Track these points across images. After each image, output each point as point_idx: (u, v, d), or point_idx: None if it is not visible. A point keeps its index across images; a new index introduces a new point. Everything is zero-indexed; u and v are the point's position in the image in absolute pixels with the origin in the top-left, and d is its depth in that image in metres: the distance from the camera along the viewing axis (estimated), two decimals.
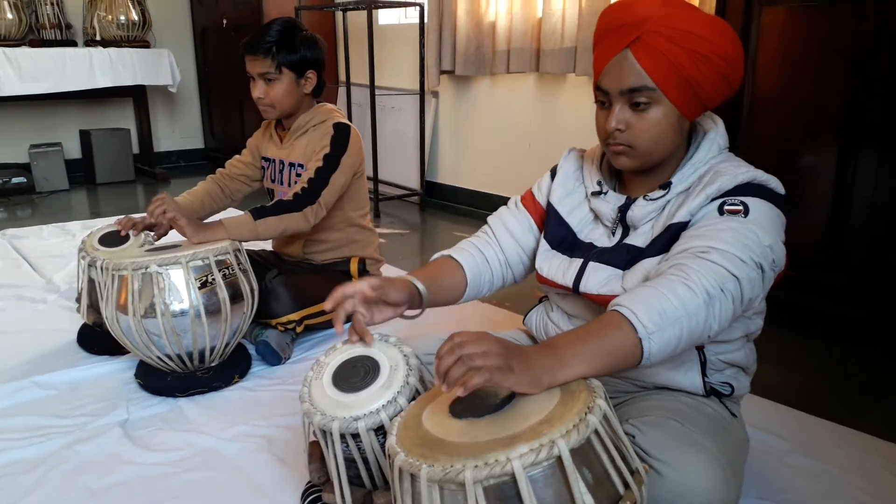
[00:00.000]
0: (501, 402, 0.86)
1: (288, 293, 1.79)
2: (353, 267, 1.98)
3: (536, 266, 1.20)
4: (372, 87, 3.49)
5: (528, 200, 1.25)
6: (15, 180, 4.09)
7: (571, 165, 1.21)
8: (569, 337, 0.90)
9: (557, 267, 1.15)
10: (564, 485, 0.77)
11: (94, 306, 1.79)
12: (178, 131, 5.05)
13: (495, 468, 0.75)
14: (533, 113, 3.31)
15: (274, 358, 1.76)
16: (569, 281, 1.12)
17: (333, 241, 1.97)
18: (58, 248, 2.75)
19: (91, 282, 1.79)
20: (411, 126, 3.84)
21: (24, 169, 4.17)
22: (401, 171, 3.97)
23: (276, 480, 1.29)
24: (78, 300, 1.91)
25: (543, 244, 1.19)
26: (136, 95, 4.61)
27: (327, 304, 1.07)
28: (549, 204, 1.20)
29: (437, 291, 1.15)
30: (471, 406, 0.88)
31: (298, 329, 1.81)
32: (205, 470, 1.33)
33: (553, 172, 1.24)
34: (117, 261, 1.58)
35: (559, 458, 0.76)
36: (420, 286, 1.11)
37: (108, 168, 4.41)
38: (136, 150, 4.67)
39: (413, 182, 3.90)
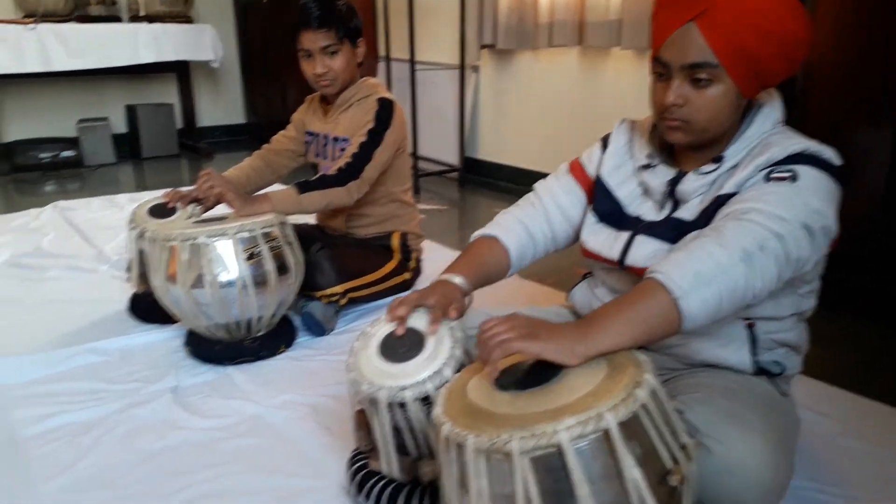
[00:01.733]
0: (547, 376, 0.87)
1: (332, 266, 1.81)
2: (395, 242, 1.99)
3: (582, 239, 1.19)
4: (412, 61, 3.48)
5: (578, 170, 1.24)
6: (64, 154, 4.20)
7: (623, 137, 1.19)
8: (604, 308, 0.91)
9: (604, 240, 1.14)
10: (612, 458, 0.77)
11: (144, 276, 1.84)
12: (221, 106, 5.11)
13: (542, 439, 0.76)
14: (576, 88, 3.26)
15: (318, 329, 1.79)
16: (615, 254, 1.11)
17: (376, 216, 1.98)
18: (107, 219, 2.82)
19: (141, 252, 1.83)
20: (451, 101, 3.82)
21: (72, 143, 4.27)
22: (440, 146, 3.96)
23: (322, 448, 1.32)
24: (128, 270, 1.97)
25: (591, 217, 1.18)
26: (180, 71, 4.67)
27: (387, 318, 1.09)
28: (598, 176, 1.19)
29: (481, 283, 1.17)
30: (516, 379, 0.89)
31: (342, 301, 1.83)
32: (253, 436, 1.37)
33: (604, 143, 1.22)
34: (166, 232, 1.62)
35: (607, 432, 0.76)
36: (466, 287, 1.13)
37: (153, 142, 4.50)
38: (180, 125, 4.74)
39: (453, 158, 3.88)
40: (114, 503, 1.18)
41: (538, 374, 0.87)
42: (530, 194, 1.27)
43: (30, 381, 1.57)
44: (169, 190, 1.88)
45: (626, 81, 2.99)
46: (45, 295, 2.10)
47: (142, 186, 3.69)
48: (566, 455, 0.76)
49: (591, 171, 1.22)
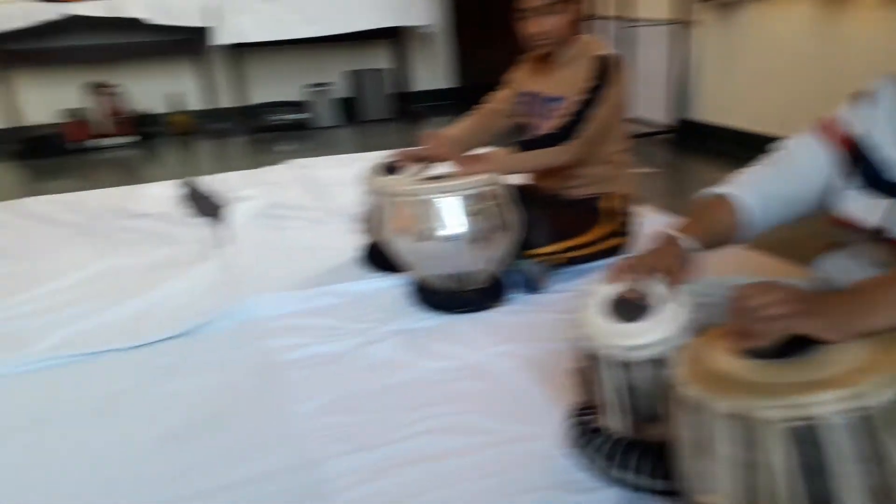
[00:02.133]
0: (802, 346, 0.83)
1: (547, 226, 1.84)
2: (610, 204, 1.97)
3: (834, 205, 1.10)
4: (622, 19, 3.36)
5: (829, 129, 1.12)
6: (295, 116, 4.64)
7: (888, 94, 1.07)
8: (876, 281, 0.83)
9: (862, 207, 1.05)
10: (874, 440, 0.72)
11: (374, 229, 2.00)
12: (433, 71, 5.30)
13: (798, 411, 0.73)
14: (813, 42, 2.94)
15: (531, 287, 1.84)
16: (876, 223, 1.02)
17: (592, 177, 1.97)
18: (337, 176, 3.08)
19: (372, 207, 1.99)
20: (661, 60, 3.65)
21: (300, 106, 4.69)
22: (649, 107, 3.81)
23: (540, 398, 1.37)
24: (359, 223, 2.15)
25: (845, 181, 1.08)
26: (394, 36, 4.91)
27: (609, 277, 1.09)
28: (855, 136, 1.08)
29: (711, 244, 1.12)
30: (767, 348, 0.85)
31: (555, 261, 1.86)
32: (473, 380, 1.46)
33: (863, 100, 1.10)
34: (396, 188, 1.75)
35: (870, 411, 0.72)
36: (694, 248, 1.09)
37: (371, 106, 4.81)
38: (394, 89, 5.01)
39: (662, 119, 3.72)
40: (358, 427, 1.32)
41: (792, 343, 0.83)
42: (770, 155, 1.19)
43: (282, 314, 1.80)
44: (397, 150, 2.02)
45: (873, 33, 2.64)
46: (289, 242, 2.37)
47: (361, 148, 3.97)
48: (824, 430, 0.72)
49: (845, 130, 1.11)
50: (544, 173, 2.03)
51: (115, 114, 4.34)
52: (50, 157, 4.10)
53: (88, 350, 1.65)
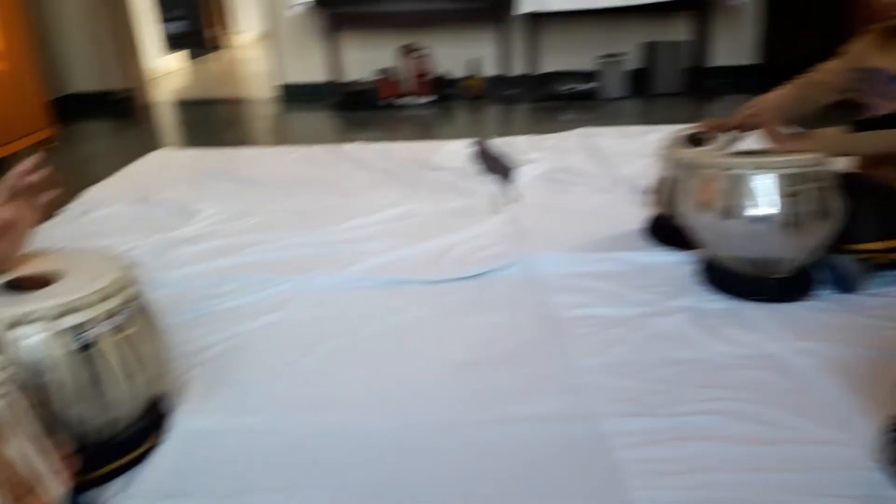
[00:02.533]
0: None
1: (875, 219, 1.62)
2: None
3: None
4: None
5: None
6: (583, 87, 4.63)
7: None
8: None
9: None
10: None
11: (665, 202, 1.94)
12: (734, 46, 4.92)
13: None
14: None
15: (846, 285, 1.64)
16: None
17: None
18: (623, 147, 3.03)
19: (666, 178, 1.93)
20: None
21: (588, 76, 4.66)
22: None
23: (848, 405, 1.24)
24: (647, 194, 2.10)
25: None
26: (698, 7, 4.63)
27: None
28: None
29: None
30: None
31: (880, 260, 1.63)
32: (769, 372, 1.36)
33: None
34: (703, 160, 1.67)
35: None
36: None
37: (662, 79, 4.61)
38: (690, 63, 4.74)
39: None
40: (641, 393, 1.31)
41: None
42: None
43: (565, 273, 1.83)
44: (705, 120, 1.92)
45: None
46: (571, 205, 2.40)
47: (645, 121, 3.85)
48: None
49: None
50: (881, 159, 1.77)
51: (421, 75, 4.72)
52: (363, 110, 4.62)
53: (394, 278, 1.86)
